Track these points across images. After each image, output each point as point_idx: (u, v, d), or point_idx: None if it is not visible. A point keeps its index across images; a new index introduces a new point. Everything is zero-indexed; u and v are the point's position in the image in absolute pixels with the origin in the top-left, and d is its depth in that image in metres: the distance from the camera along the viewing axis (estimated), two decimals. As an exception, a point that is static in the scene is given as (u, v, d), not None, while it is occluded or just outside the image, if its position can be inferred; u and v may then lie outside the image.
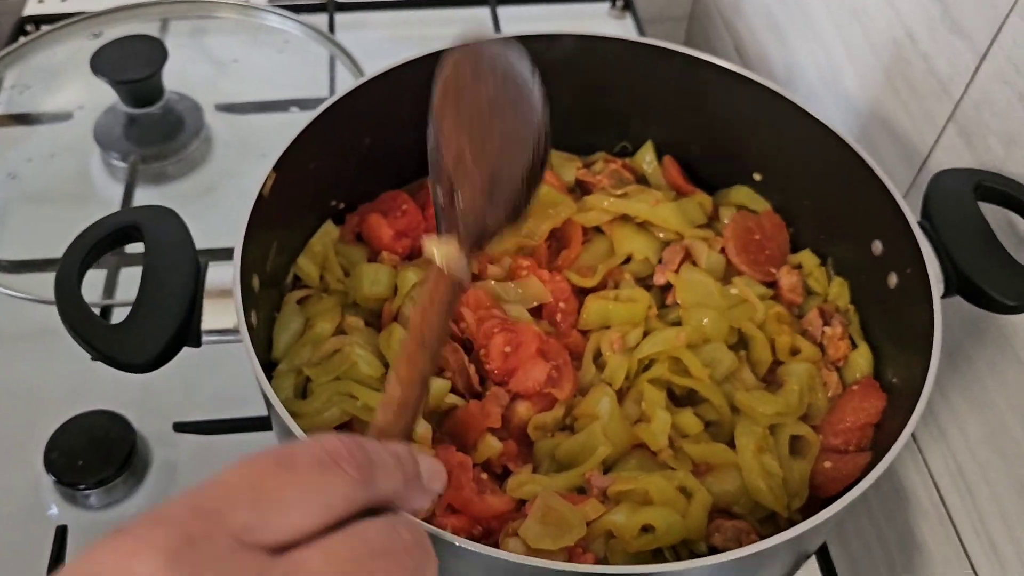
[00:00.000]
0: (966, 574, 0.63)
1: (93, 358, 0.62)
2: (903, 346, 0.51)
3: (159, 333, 0.45)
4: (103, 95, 0.81)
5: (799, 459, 0.51)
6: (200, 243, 0.49)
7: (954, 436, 0.64)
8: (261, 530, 0.25)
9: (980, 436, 0.61)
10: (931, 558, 0.67)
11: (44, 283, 0.69)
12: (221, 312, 0.47)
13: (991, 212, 0.54)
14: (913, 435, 0.68)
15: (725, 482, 0.49)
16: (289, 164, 0.52)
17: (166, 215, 0.48)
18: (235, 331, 0.46)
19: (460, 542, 0.38)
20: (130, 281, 0.69)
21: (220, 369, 0.65)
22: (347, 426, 0.50)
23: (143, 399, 0.65)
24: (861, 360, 0.53)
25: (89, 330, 0.44)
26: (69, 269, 0.45)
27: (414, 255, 0.58)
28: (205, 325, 0.47)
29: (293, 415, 0.42)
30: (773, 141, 0.59)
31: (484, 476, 0.49)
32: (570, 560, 0.44)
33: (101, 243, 0.47)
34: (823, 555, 0.60)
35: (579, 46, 0.60)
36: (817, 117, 0.56)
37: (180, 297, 0.46)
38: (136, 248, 0.67)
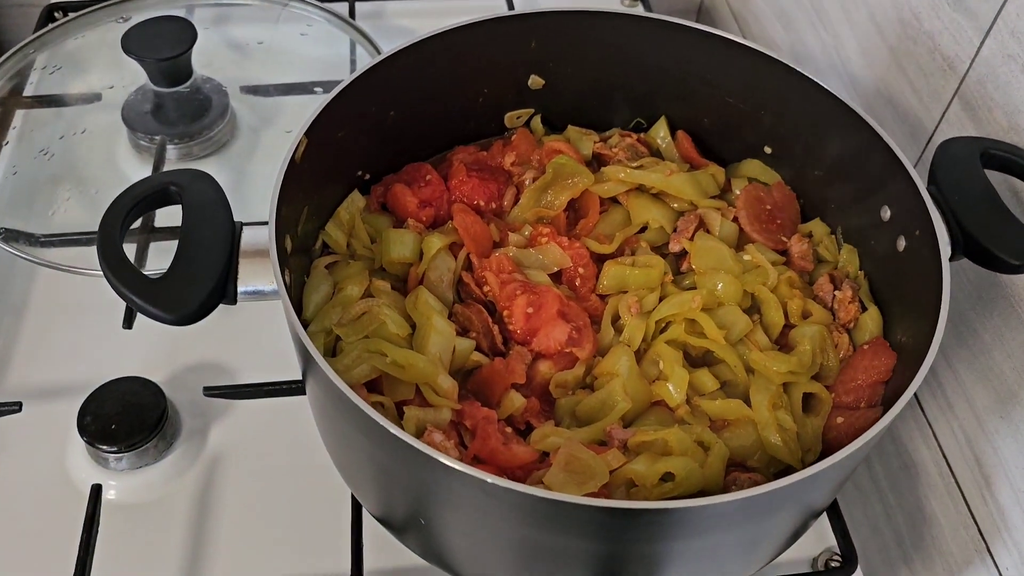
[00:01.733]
0: (975, 542, 0.64)
1: (127, 320, 0.65)
2: (912, 306, 0.52)
3: (197, 288, 0.47)
4: (131, 77, 0.83)
5: (812, 416, 0.52)
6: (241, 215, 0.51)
7: (961, 407, 0.65)
8: None
9: (987, 405, 0.62)
10: (940, 530, 0.69)
11: (76, 256, 0.72)
12: (256, 272, 0.49)
13: (997, 180, 0.55)
14: (922, 408, 0.70)
15: (741, 437, 0.51)
16: (319, 131, 0.54)
17: (203, 177, 0.50)
18: (269, 291, 0.48)
19: (492, 479, 0.40)
20: (159, 255, 0.71)
21: (249, 336, 0.67)
22: (376, 382, 0.52)
23: (173, 366, 0.67)
24: (871, 322, 0.55)
25: (130, 283, 0.46)
26: (111, 226, 0.47)
27: (438, 223, 0.60)
28: (241, 283, 0.49)
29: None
30: (783, 114, 0.61)
31: (508, 430, 0.51)
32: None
33: (142, 202, 0.49)
34: (837, 521, 0.62)
35: (595, 23, 0.62)
36: (826, 87, 0.57)
37: (217, 254, 0.48)
38: (165, 222, 0.70)
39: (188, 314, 0.46)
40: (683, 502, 0.40)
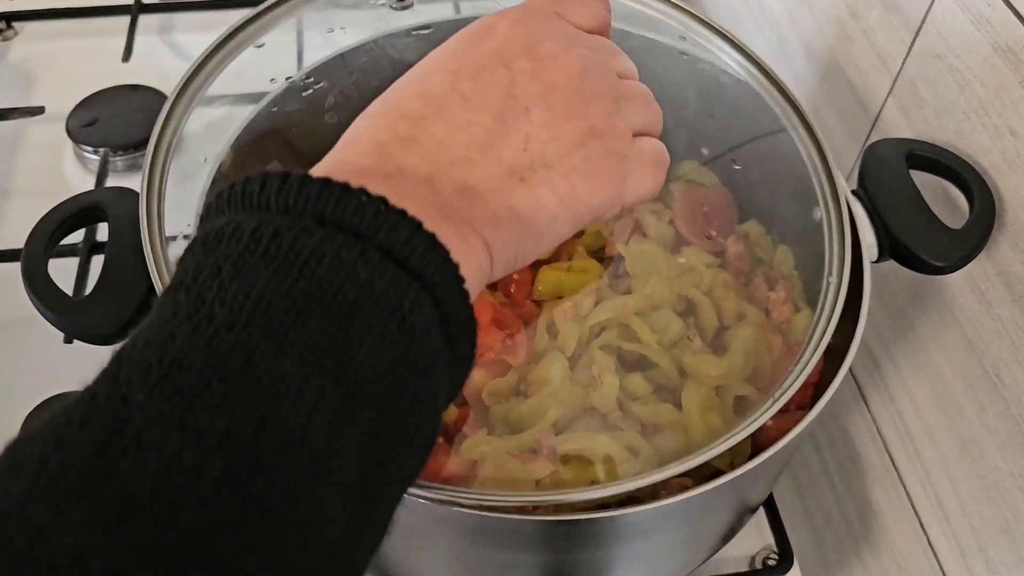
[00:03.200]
0: (916, 532, 0.65)
1: (65, 336, 0.65)
2: (844, 309, 0.53)
3: (123, 305, 0.47)
4: (75, 90, 0.82)
5: (743, 418, 0.53)
6: (172, 230, 0.50)
7: (902, 400, 0.66)
8: (569, 15, 0.37)
9: (925, 398, 0.63)
10: (884, 521, 0.70)
11: (16, 272, 0.72)
12: (184, 287, 0.49)
13: (926, 180, 0.56)
14: (866, 402, 0.71)
15: (671, 441, 0.51)
16: (248, 143, 0.54)
17: (128, 195, 0.50)
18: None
19: (412, 496, 0.40)
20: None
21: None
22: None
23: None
24: (802, 323, 0.55)
25: (55, 303, 0.46)
26: (35, 246, 0.47)
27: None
28: (168, 299, 0.49)
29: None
30: (720, 113, 0.61)
31: (440, 440, 0.51)
32: (521, 517, 0.46)
33: (66, 222, 0.49)
34: (773, 518, 0.62)
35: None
36: (776, 78, 0.57)
37: (143, 271, 0.48)
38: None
39: (114, 332, 0.46)
40: (602, 513, 0.40)
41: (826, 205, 0.50)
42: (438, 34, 0.61)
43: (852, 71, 0.68)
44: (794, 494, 0.82)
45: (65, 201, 0.50)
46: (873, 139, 0.65)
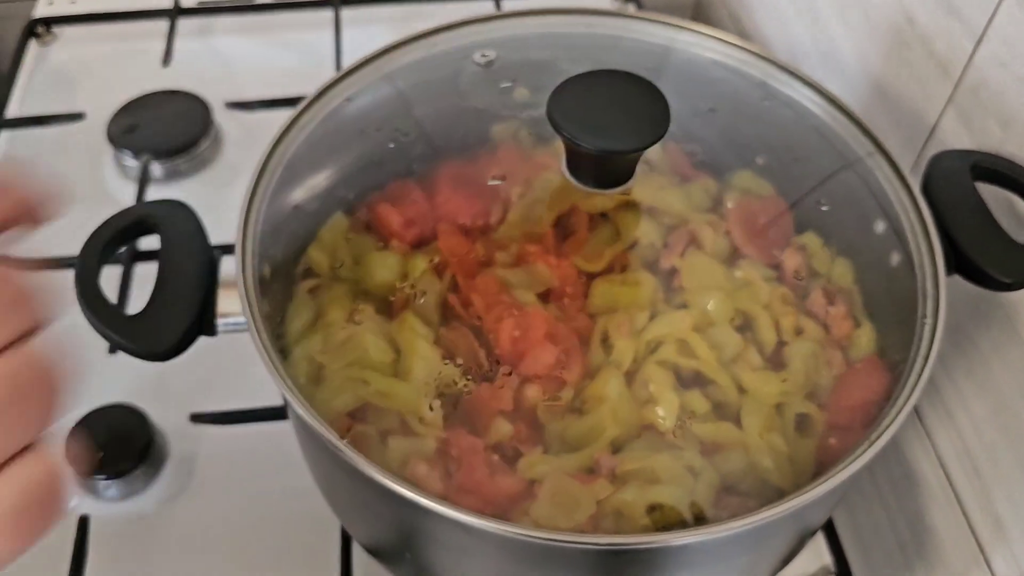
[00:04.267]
0: (973, 552, 0.64)
1: (112, 348, 0.64)
2: (907, 323, 0.51)
3: (176, 322, 0.46)
4: (114, 95, 0.82)
5: (805, 437, 0.51)
6: (216, 238, 0.50)
7: (961, 418, 0.64)
8: None
9: (986, 417, 0.61)
10: (940, 540, 0.68)
11: (61, 281, 0.71)
12: (237, 301, 0.48)
13: (991, 192, 0.54)
14: (920, 418, 0.69)
15: (732, 461, 0.50)
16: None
17: (179, 208, 0.50)
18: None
19: (471, 519, 0.39)
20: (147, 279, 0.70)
21: (236, 361, 0.66)
22: (360, 411, 0.51)
23: (160, 393, 0.67)
24: (864, 339, 0.54)
25: (109, 321, 0.45)
26: (88, 261, 0.46)
27: (423, 243, 0.59)
28: (220, 316, 0.48)
29: (306, 400, 0.43)
30: (776, 122, 0.60)
31: (495, 458, 0.50)
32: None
33: (117, 237, 0.48)
34: (832, 538, 0.61)
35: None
36: (825, 90, 0.56)
37: (196, 287, 0.47)
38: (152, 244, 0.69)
39: (166, 350, 0.46)
40: (673, 537, 0.39)
41: (916, 243, 0.49)
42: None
43: (908, 79, 0.67)
44: (842, 510, 0.80)
45: (117, 214, 0.49)
46: (930, 149, 0.63)
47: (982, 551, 0.62)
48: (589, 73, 0.49)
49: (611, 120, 0.46)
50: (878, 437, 0.42)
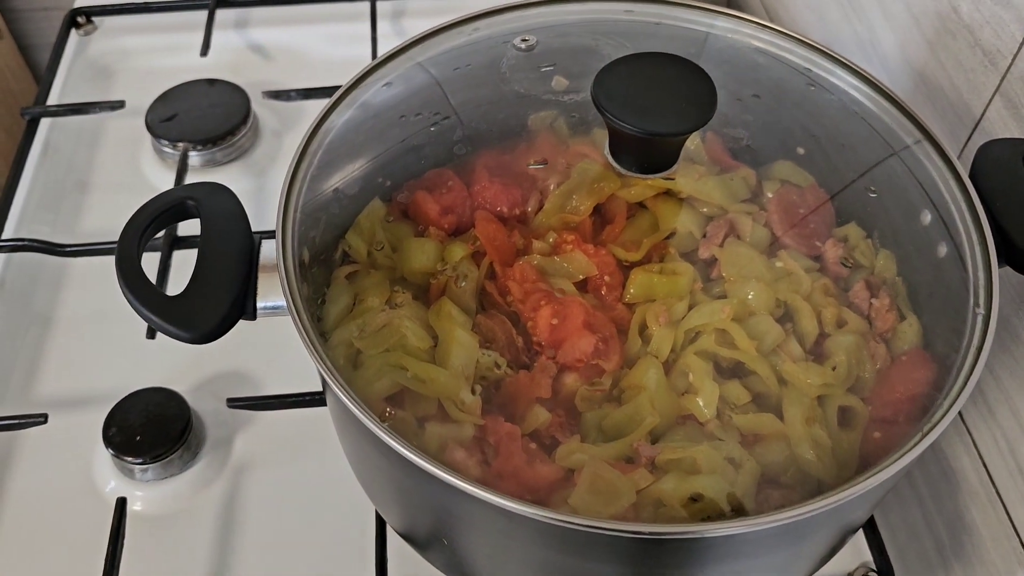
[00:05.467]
0: (1016, 553, 0.62)
1: (150, 332, 0.65)
2: (954, 315, 0.50)
3: (217, 305, 0.46)
4: (153, 84, 0.83)
5: (848, 430, 0.51)
6: (253, 226, 0.50)
7: (1004, 415, 0.63)
8: None
9: (1031, 412, 0.60)
10: (981, 539, 0.67)
11: (100, 266, 0.72)
12: (276, 287, 0.48)
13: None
14: (961, 415, 0.67)
15: (773, 452, 0.49)
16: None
17: (220, 190, 0.50)
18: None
19: (511, 504, 0.39)
20: (185, 264, 0.70)
21: (272, 347, 0.67)
22: (397, 397, 0.51)
23: (197, 377, 0.67)
24: (910, 331, 0.53)
25: (149, 302, 0.45)
26: (129, 242, 0.46)
27: (460, 231, 0.59)
28: (260, 299, 0.48)
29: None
30: (817, 110, 0.58)
31: (533, 446, 0.50)
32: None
33: (159, 218, 0.48)
34: (873, 535, 0.60)
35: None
36: (869, 75, 0.55)
37: (236, 270, 0.47)
38: (189, 231, 0.69)
39: (207, 332, 0.46)
40: (712, 526, 0.38)
41: (966, 232, 0.47)
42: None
43: (953, 69, 0.65)
44: (876, 510, 0.79)
45: (157, 196, 0.49)
46: (976, 141, 0.62)
47: (1026, 550, 0.61)
48: (634, 55, 0.48)
49: (657, 102, 0.46)
50: (931, 428, 0.41)
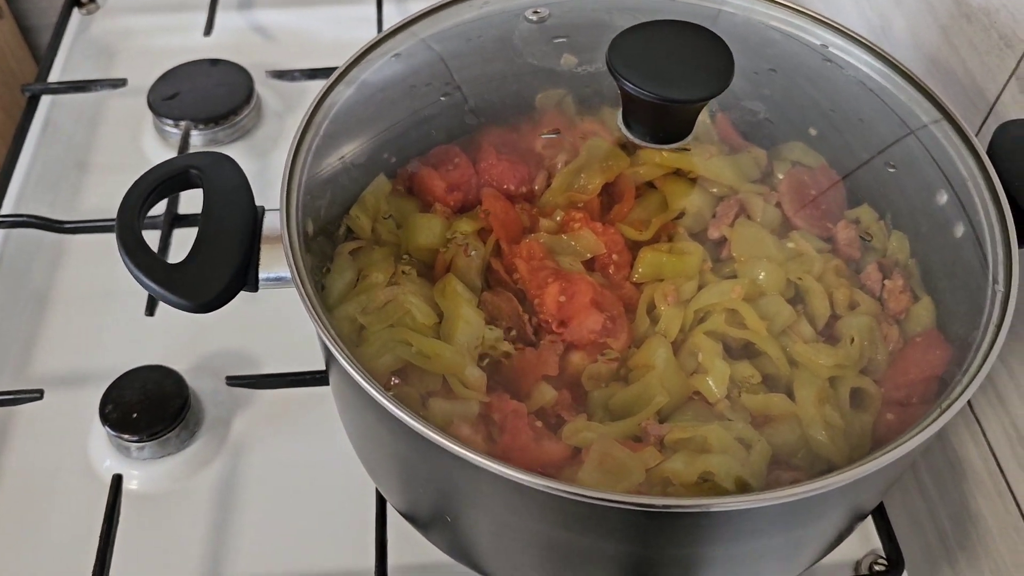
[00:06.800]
0: (1025, 542, 0.62)
1: (149, 308, 0.64)
2: (969, 297, 0.49)
3: (218, 275, 0.45)
4: (156, 64, 0.82)
5: (860, 412, 0.50)
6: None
7: (1013, 402, 0.62)
8: None
9: (1042, 401, 0.59)
10: (987, 530, 0.66)
11: (98, 243, 0.71)
12: (278, 258, 0.47)
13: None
14: (970, 403, 0.67)
15: (784, 433, 0.48)
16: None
17: (224, 160, 0.49)
18: (291, 278, 0.46)
19: (521, 476, 0.38)
20: (184, 244, 0.69)
21: (272, 325, 0.66)
22: (401, 373, 0.50)
23: (196, 355, 0.66)
24: (923, 313, 0.52)
25: (149, 269, 0.44)
26: (130, 210, 0.46)
27: (466, 208, 0.58)
28: (263, 270, 0.47)
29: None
30: (832, 87, 0.58)
31: (538, 424, 0.49)
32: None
33: (161, 186, 0.47)
34: (883, 522, 0.59)
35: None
36: (883, 51, 0.54)
37: (239, 239, 0.46)
38: (190, 209, 0.68)
39: (208, 301, 0.45)
40: (728, 500, 0.38)
41: (985, 211, 0.47)
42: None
43: (968, 52, 0.65)
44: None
45: (159, 164, 0.48)
46: (991, 124, 0.61)
47: (1035, 541, 0.60)
48: (649, 23, 0.47)
49: (673, 69, 0.45)
50: (949, 406, 0.40)
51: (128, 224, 0.45)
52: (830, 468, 0.49)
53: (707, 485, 0.45)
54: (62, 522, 0.59)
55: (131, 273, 0.44)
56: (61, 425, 0.63)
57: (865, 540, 0.58)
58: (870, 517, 0.58)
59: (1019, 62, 0.59)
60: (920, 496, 0.74)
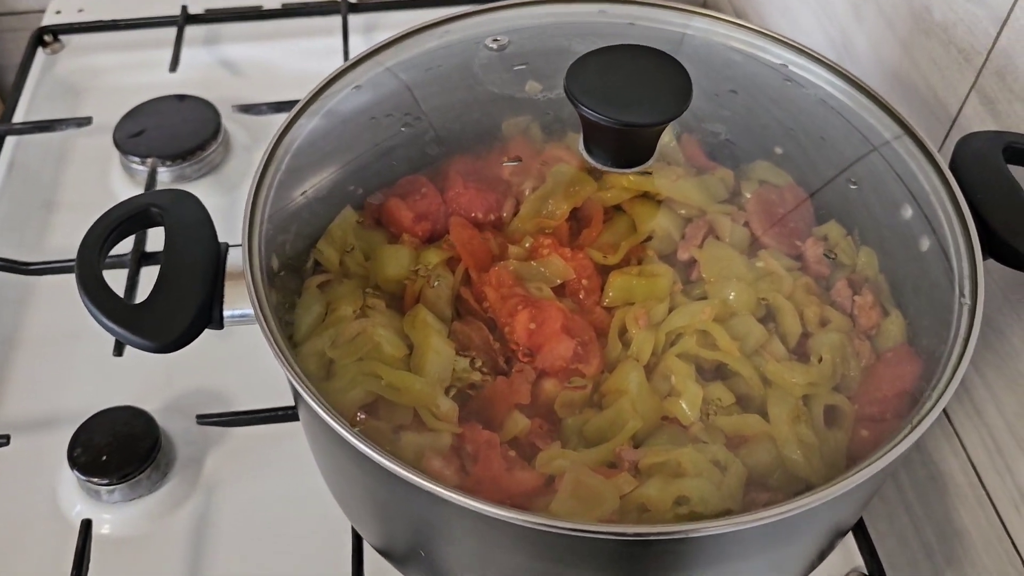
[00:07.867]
0: (1008, 554, 0.61)
1: (117, 348, 0.63)
2: (937, 310, 0.50)
3: (182, 313, 0.44)
4: (122, 101, 0.81)
5: (835, 430, 0.49)
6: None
7: (990, 413, 0.62)
8: None
9: (1017, 411, 0.59)
10: (972, 543, 0.66)
11: (65, 284, 0.70)
12: (243, 295, 0.46)
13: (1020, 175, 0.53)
14: (948, 415, 0.67)
15: (759, 454, 0.48)
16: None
17: (185, 197, 0.48)
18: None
19: (490, 509, 0.37)
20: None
21: (243, 362, 0.65)
22: (372, 407, 0.49)
23: (166, 395, 0.65)
24: (894, 328, 0.52)
25: (110, 310, 0.44)
26: (90, 250, 0.45)
27: (435, 237, 0.58)
28: (227, 307, 0.46)
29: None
30: (795, 106, 0.58)
31: (512, 454, 0.48)
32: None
33: (121, 225, 0.47)
34: (863, 538, 0.58)
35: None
36: (845, 71, 0.54)
37: (202, 277, 0.46)
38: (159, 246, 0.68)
39: (171, 341, 0.44)
40: (702, 525, 0.37)
41: (949, 225, 0.47)
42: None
43: (928, 67, 0.65)
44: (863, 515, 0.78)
45: (119, 204, 0.48)
46: (953, 137, 0.62)
47: (1019, 553, 0.60)
48: (606, 48, 0.47)
49: (631, 94, 0.45)
50: (920, 421, 0.40)
51: (88, 264, 0.44)
52: (806, 487, 0.48)
53: (683, 509, 0.45)
54: (31, 571, 0.57)
55: (91, 314, 0.44)
56: (29, 471, 0.62)
57: (847, 557, 0.57)
58: (851, 534, 0.58)
59: (978, 75, 0.60)
60: (905, 512, 0.74)
